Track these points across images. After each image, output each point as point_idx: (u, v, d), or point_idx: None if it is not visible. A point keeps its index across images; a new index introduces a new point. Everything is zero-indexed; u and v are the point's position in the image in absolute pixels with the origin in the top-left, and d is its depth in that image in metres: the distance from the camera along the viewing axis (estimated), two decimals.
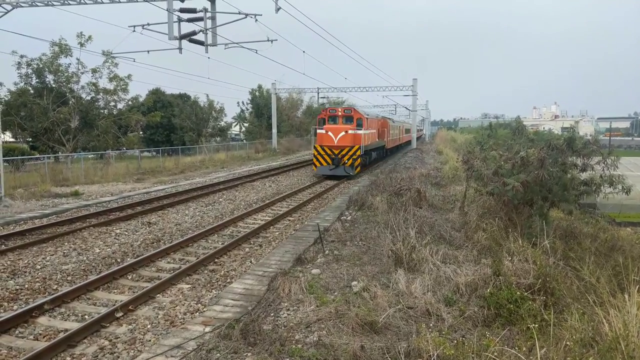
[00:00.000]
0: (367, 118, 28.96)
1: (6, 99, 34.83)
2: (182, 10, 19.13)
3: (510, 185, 12.27)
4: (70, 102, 35.60)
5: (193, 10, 19.17)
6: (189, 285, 9.35)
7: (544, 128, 61.96)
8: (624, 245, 13.37)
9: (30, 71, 35.35)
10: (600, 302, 7.17)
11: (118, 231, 13.99)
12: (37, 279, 9.63)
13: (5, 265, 10.50)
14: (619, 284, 8.57)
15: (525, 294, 7.68)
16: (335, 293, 8.14)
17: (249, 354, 5.89)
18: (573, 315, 6.60)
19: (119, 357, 6.39)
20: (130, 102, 40.30)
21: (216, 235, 13.56)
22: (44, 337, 7.06)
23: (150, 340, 6.83)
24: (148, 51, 23.25)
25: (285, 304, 7.57)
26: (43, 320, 7.63)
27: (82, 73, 35.80)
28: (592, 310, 6.95)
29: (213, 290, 9.01)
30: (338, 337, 6.33)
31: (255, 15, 19.46)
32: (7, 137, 40.14)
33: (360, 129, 27.58)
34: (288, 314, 7.22)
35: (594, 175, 13.55)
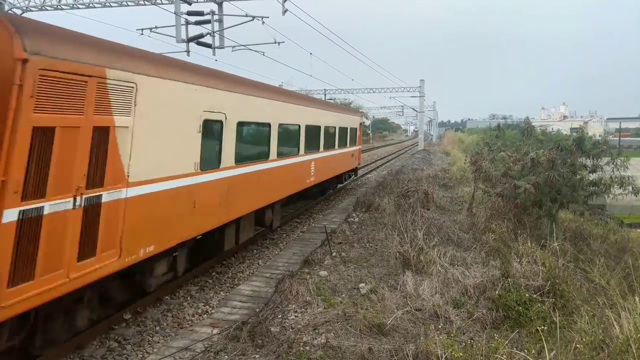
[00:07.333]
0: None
1: None
2: (190, 13, 19.24)
3: (522, 188, 12.19)
4: None
5: (200, 13, 19.27)
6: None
7: (552, 129, 61.52)
8: (634, 246, 13.25)
9: None
10: (611, 304, 7.12)
11: None
12: None
13: None
14: (630, 286, 8.49)
15: (534, 296, 7.64)
16: (343, 295, 8.13)
17: (257, 356, 5.91)
18: (583, 317, 6.56)
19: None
20: None
21: None
22: None
23: (158, 342, 6.86)
24: None
25: (293, 306, 7.57)
26: None
27: None
28: (602, 313, 6.89)
29: (221, 292, 9.04)
30: (346, 339, 6.33)
31: (262, 17, 19.47)
32: None
33: None
34: (296, 316, 7.22)
35: (604, 175, 13.46)
